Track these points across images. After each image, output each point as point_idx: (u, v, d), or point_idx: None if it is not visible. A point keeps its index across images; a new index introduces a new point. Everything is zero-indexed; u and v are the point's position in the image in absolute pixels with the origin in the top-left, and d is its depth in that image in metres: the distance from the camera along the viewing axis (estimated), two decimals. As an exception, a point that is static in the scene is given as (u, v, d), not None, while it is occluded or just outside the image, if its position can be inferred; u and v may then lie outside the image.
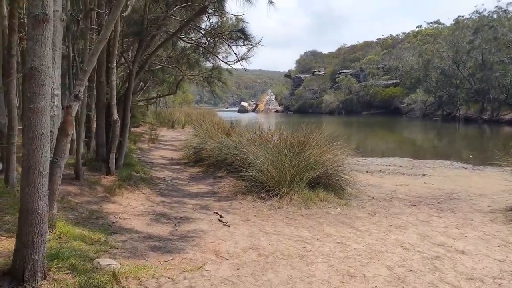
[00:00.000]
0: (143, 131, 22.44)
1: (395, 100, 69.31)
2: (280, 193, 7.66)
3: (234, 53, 10.19)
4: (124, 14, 8.79)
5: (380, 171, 13.12)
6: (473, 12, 49.74)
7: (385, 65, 76.54)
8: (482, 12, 48.59)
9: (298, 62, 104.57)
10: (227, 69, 16.66)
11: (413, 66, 60.69)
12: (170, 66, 12.89)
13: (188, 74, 16.95)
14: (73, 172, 7.30)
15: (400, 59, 71.29)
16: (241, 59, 10.48)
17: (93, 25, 7.79)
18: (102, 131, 8.39)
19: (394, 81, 72.93)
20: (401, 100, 67.67)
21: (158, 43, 8.55)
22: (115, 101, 7.73)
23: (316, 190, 8.03)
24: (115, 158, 8.66)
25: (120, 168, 8.62)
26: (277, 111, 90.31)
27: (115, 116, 7.69)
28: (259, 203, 7.55)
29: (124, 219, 5.80)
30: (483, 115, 47.64)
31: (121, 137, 8.46)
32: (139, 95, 18.23)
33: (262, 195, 7.77)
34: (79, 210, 5.75)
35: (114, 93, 7.64)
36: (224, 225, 6.10)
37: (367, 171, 12.48)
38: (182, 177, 9.98)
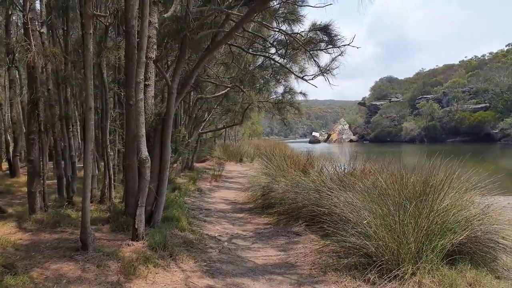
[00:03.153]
0: (209, 166, 20.38)
1: (486, 126, 62.07)
2: (401, 274, 4.59)
3: (315, 61, 7.43)
4: (166, 16, 6.54)
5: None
6: None
7: (471, 88, 69.49)
8: None
9: (373, 89, 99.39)
10: (300, 92, 14.03)
11: (510, 86, 53.65)
12: (229, 86, 10.51)
13: (256, 100, 14.55)
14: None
15: (490, 80, 64.15)
16: (324, 72, 7.68)
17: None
18: (133, 173, 5.99)
19: (483, 105, 65.68)
20: (493, 125, 60.36)
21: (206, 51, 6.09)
22: (144, 131, 5.31)
23: (458, 266, 4.83)
24: (151, 212, 6.19)
25: (157, 226, 6.11)
26: (351, 140, 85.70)
27: (143, 153, 5.25)
28: (365, 292, 4.56)
29: None
30: None
31: (156, 183, 5.99)
32: (203, 127, 16.17)
33: (370, 276, 4.73)
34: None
35: (142, 119, 5.23)
36: None
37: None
38: (244, 233, 7.23)
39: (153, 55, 6.88)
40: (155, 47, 6.76)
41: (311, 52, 7.42)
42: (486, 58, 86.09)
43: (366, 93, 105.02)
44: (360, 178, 7.37)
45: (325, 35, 7.33)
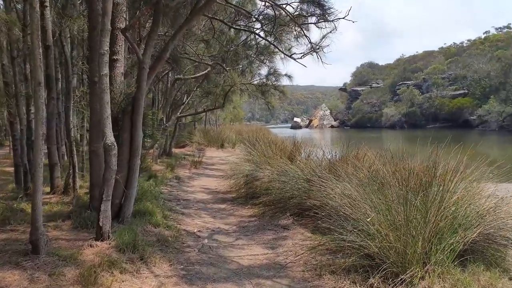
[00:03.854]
0: (188, 152, 19.56)
1: (464, 112, 62.69)
2: (408, 279, 3.98)
3: (306, 36, 6.69)
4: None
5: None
6: None
7: (451, 75, 70.01)
8: None
9: (354, 74, 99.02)
10: (285, 75, 13.30)
11: (489, 73, 53.99)
12: (210, 64, 9.61)
13: (239, 83, 13.72)
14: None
15: (469, 67, 64.62)
16: (315, 50, 6.96)
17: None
18: (100, 160, 5.19)
19: (462, 91, 66.30)
20: (471, 111, 61.01)
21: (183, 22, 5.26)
22: (109, 112, 4.49)
23: (470, 267, 4.25)
24: (120, 205, 5.41)
25: (127, 222, 5.34)
26: (332, 126, 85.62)
27: (109, 138, 4.44)
28: (368, 300, 3.96)
29: None
30: None
31: (126, 172, 5.21)
32: (181, 110, 15.26)
33: (373, 280, 4.10)
34: None
35: (107, 98, 4.40)
36: None
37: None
38: (227, 227, 6.53)
39: (122, 25, 6.02)
40: (124, 16, 5.89)
41: (302, 27, 6.66)
42: (465, 45, 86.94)
43: (347, 79, 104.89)
44: (354, 166, 6.76)
45: (317, 7, 6.57)
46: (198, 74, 12.53)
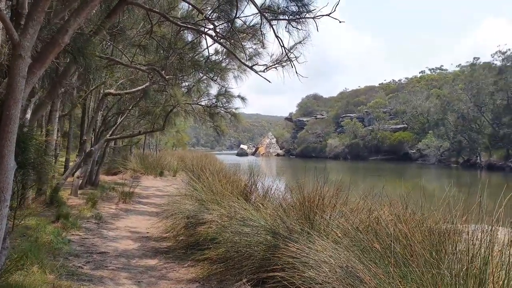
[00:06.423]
0: (120, 180, 16.94)
1: (405, 146, 65.01)
2: None
3: (277, 37, 4.92)
4: None
5: None
6: (496, 53, 45.78)
7: (391, 109, 73.00)
8: (506, 52, 44.54)
9: (300, 105, 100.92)
10: (239, 96, 11.60)
11: (429, 109, 56.48)
12: (144, 70, 7.51)
13: (183, 103, 11.76)
14: None
15: (408, 103, 67.71)
16: (288, 59, 5.26)
17: None
18: None
19: (402, 125, 69.17)
20: (411, 145, 63.34)
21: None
22: None
23: None
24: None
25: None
26: (278, 154, 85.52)
27: None
28: None
29: None
30: (509, 161, 43.00)
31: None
32: (112, 132, 12.91)
33: None
34: None
35: None
36: None
37: None
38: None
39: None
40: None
41: (273, 25, 4.92)
42: (403, 81, 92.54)
43: (291, 109, 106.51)
44: (332, 210, 5.05)
45: (292, 2, 4.90)
46: (133, 89, 10.44)
